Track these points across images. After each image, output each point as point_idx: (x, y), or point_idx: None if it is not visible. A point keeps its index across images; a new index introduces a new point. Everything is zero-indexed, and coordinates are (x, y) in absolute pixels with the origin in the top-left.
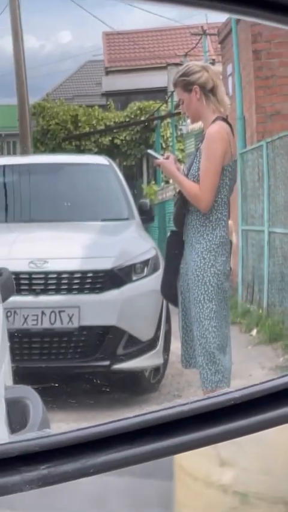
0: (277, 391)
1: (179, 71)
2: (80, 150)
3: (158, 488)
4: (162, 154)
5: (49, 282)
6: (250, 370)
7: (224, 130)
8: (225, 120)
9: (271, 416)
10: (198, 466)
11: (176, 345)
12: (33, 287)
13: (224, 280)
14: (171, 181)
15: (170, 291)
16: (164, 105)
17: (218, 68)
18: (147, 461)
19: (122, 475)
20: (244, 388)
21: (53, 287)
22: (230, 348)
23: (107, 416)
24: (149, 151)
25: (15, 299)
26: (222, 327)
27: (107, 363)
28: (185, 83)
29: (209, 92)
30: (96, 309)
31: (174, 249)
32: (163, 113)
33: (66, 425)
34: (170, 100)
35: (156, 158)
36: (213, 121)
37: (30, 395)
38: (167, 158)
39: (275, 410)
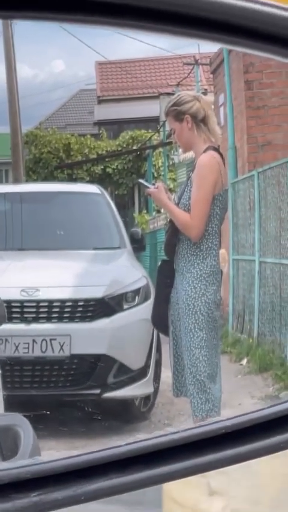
0: (268, 420)
1: (171, 101)
2: (72, 179)
3: None
4: (153, 184)
5: (40, 310)
6: (240, 399)
7: (215, 159)
8: (216, 149)
9: (261, 445)
10: (187, 494)
11: (166, 374)
12: (25, 315)
13: (214, 310)
14: (162, 210)
15: (161, 320)
16: (156, 134)
17: (210, 97)
18: (138, 489)
19: (111, 503)
20: (235, 417)
21: (45, 315)
22: (220, 377)
23: (98, 443)
24: (140, 180)
25: (6, 327)
26: (213, 356)
27: (97, 391)
28: (177, 113)
29: (201, 121)
30: (87, 338)
31: (165, 278)
32: (155, 142)
33: (57, 452)
34: (162, 129)
35: (147, 187)
36: (205, 150)
37: (21, 423)
38: (158, 188)
39: (266, 439)
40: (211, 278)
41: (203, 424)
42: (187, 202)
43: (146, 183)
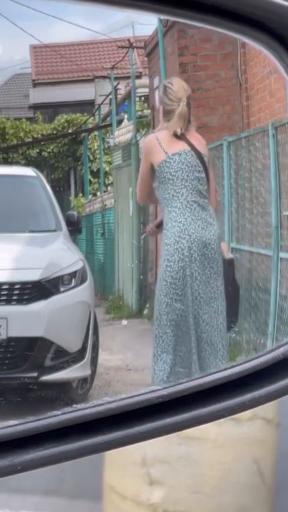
0: (204, 389)
1: (168, 83)
2: (7, 163)
3: (86, 509)
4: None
5: None
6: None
7: (152, 137)
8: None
9: (198, 414)
10: (128, 485)
11: (103, 357)
12: None
13: (177, 277)
14: (98, 194)
15: None
16: (92, 117)
17: (145, 81)
18: (75, 459)
19: (50, 495)
20: (172, 386)
21: None
22: (193, 353)
23: (35, 412)
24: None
25: None
26: (177, 327)
27: (35, 374)
28: (161, 96)
29: (168, 120)
30: (23, 320)
31: None
32: (90, 126)
33: None
34: (97, 113)
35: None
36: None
37: None
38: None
39: (202, 408)
40: (173, 245)
41: (140, 393)
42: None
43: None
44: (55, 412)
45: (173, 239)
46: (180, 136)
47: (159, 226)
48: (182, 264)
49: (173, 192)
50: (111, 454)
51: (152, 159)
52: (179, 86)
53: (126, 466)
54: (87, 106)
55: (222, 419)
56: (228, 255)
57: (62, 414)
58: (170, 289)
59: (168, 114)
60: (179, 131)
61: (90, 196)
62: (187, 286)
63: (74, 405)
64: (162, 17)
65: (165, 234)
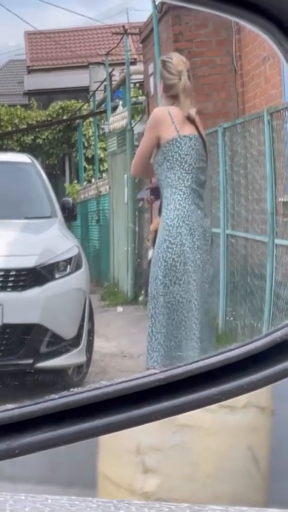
0: (201, 372)
1: (166, 58)
2: (2, 149)
3: (80, 497)
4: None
5: None
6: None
7: (164, 109)
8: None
9: (195, 398)
10: (122, 473)
11: (99, 344)
12: None
13: (177, 258)
14: (93, 180)
15: None
16: (86, 104)
17: (139, 67)
18: (73, 443)
19: (44, 483)
20: (169, 369)
21: None
22: (188, 335)
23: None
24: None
25: None
26: (174, 310)
27: (30, 361)
28: (160, 70)
29: (170, 96)
30: (19, 307)
31: None
32: (85, 112)
33: None
34: (91, 99)
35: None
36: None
37: None
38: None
39: (199, 392)
40: (175, 227)
41: (136, 377)
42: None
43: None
44: (52, 396)
45: (176, 221)
46: (190, 119)
47: (155, 193)
48: (184, 249)
49: (179, 174)
50: (105, 442)
51: (161, 133)
52: (178, 60)
53: (120, 454)
54: (81, 92)
55: (217, 407)
56: None
57: (59, 398)
58: (169, 271)
59: (169, 88)
60: (193, 113)
61: (85, 183)
62: (187, 271)
63: (72, 389)
64: None
65: (167, 214)
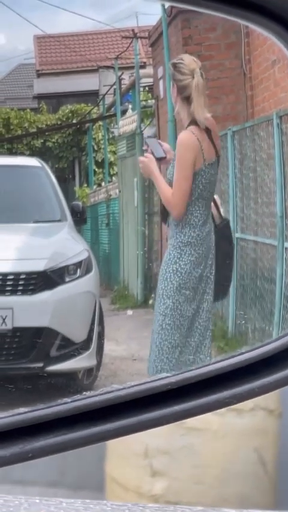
0: (211, 376)
1: (177, 59)
2: (12, 153)
3: (88, 500)
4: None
5: None
6: None
7: (193, 136)
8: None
9: (206, 401)
10: (130, 476)
11: (109, 347)
12: None
13: (187, 280)
14: (103, 184)
15: None
16: (96, 107)
17: (149, 70)
18: (85, 446)
19: (53, 487)
20: (180, 373)
21: None
22: (194, 350)
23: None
24: (148, 140)
25: None
26: (180, 326)
27: (40, 364)
28: (172, 73)
29: (185, 98)
30: (29, 311)
31: None
32: (95, 116)
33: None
34: (101, 103)
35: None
36: (188, 125)
37: None
38: (148, 158)
39: (210, 396)
40: (188, 248)
41: (148, 381)
42: (172, 178)
43: (153, 144)
44: (65, 400)
45: (194, 241)
46: (206, 130)
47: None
48: (202, 265)
49: (197, 202)
50: (113, 445)
51: (195, 162)
52: (189, 59)
53: (128, 457)
54: (91, 96)
55: (224, 410)
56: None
57: (71, 402)
58: (194, 284)
59: (183, 89)
60: (210, 123)
61: (94, 187)
62: (202, 286)
63: (84, 392)
64: (169, 3)
65: (184, 233)
